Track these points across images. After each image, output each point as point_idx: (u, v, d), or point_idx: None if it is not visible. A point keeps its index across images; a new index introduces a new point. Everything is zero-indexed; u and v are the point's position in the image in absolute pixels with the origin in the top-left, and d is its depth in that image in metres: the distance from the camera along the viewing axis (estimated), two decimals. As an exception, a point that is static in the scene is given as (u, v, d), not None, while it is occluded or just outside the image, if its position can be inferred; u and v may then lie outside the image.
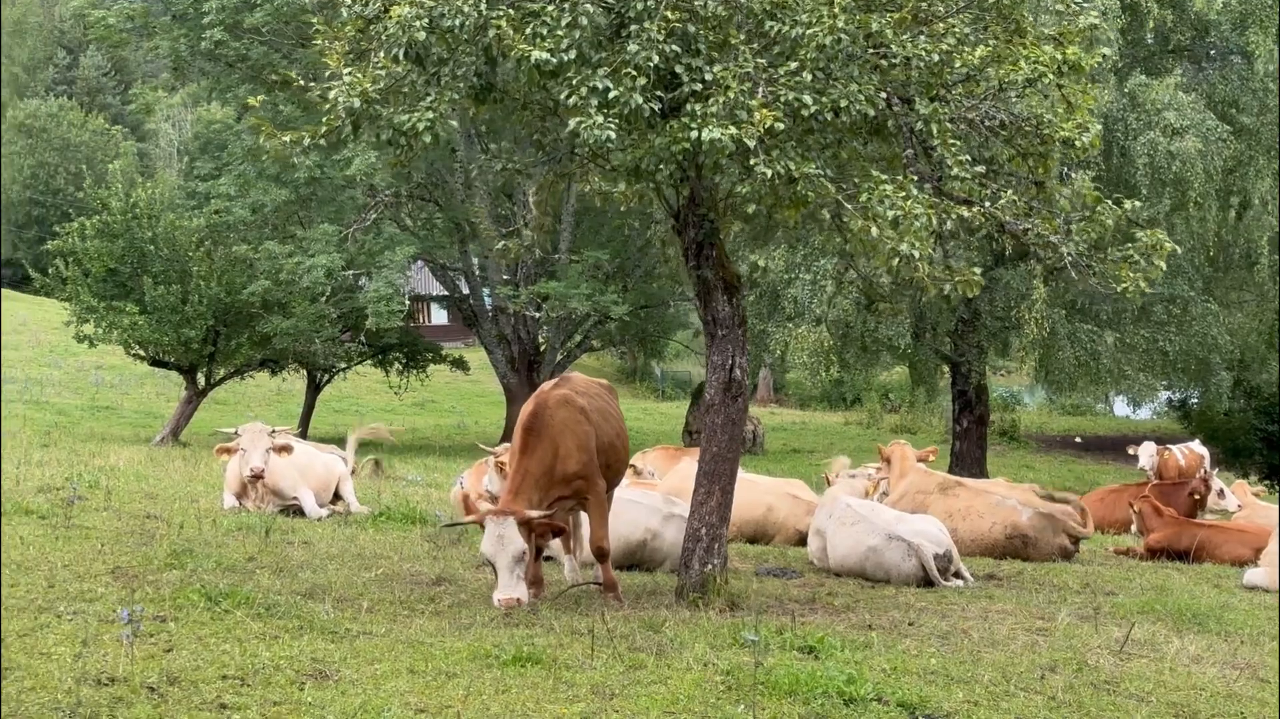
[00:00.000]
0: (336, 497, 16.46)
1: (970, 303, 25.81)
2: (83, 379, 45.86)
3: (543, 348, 38.07)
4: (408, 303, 35.53)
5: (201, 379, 33.05)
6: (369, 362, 37.87)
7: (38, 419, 35.52)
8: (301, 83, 10.18)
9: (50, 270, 32.12)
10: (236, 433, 15.30)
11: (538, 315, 34.83)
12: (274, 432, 15.27)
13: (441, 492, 19.97)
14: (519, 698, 7.56)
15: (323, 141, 9.76)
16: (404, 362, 38.39)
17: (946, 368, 30.61)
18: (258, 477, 14.95)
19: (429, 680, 7.82)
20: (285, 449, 15.20)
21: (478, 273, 37.91)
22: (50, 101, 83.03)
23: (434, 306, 63.32)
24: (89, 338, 31.71)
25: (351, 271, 32.50)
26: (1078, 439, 45.90)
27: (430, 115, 9.33)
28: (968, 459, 27.73)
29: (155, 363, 32.82)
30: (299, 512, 15.51)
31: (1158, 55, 29.50)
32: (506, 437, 36.03)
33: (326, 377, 37.58)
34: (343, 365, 36.69)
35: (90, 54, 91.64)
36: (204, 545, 12.12)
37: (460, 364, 39.44)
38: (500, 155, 12.75)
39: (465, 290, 38.69)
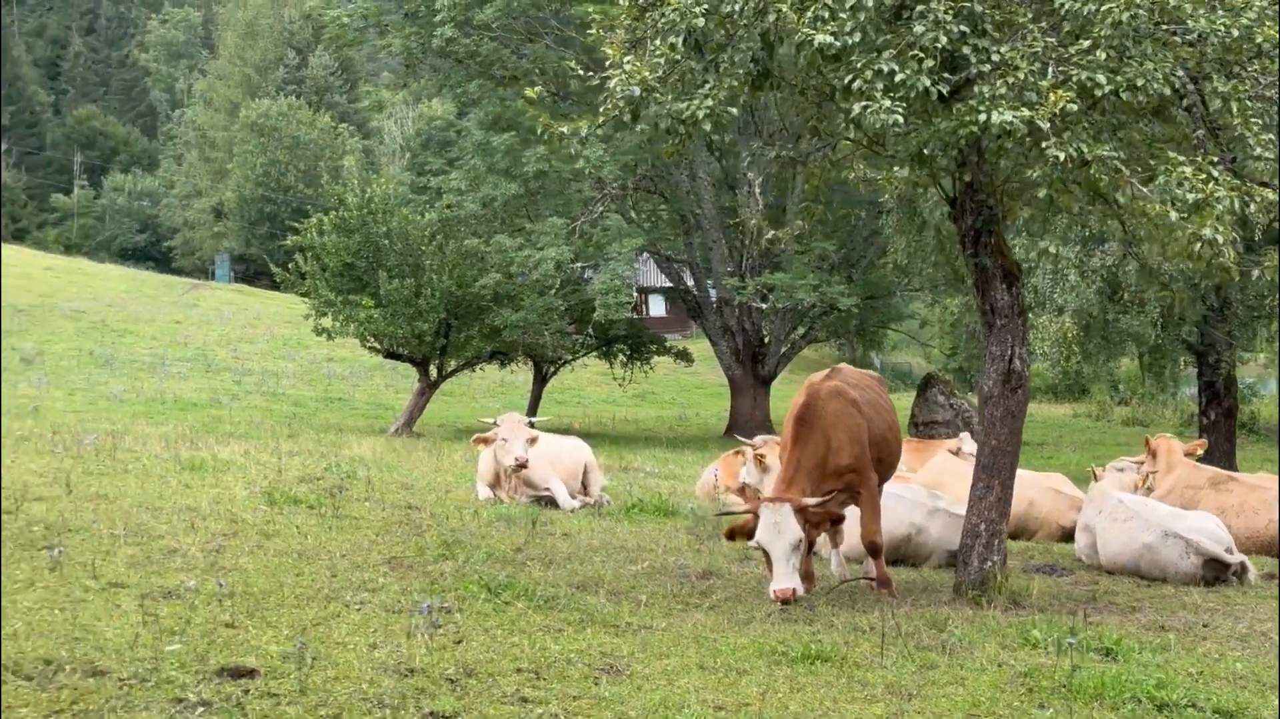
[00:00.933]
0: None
1: (1219, 290, 24.87)
2: (315, 371, 47.06)
3: (767, 339, 37.85)
4: (634, 295, 35.55)
5: (434, 371, 33.53)
6: (593, 353, 38.09)
7: (276, 411, 36.57)
8: (580, 73, 10.13)
9: (290, 265, 32.84)
10: (495, 423, 15.40)
11: (763, 306, 34.61)
12: (530, 423, 15.35)
13: (681, 483, 19.93)
14: (815, 696, 7.40)
15: (600, 131, 9.69)
16: (628, 353, 38.46)
17: (1187, 359, 29.55)
18: (522, 466, 15.01)
19: (721, 677, 7.71)
20: (533, 440, 15.26)
21: (702, 264, 37.83)
22: (280, 101, 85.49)
23: (652, 298, 63.54)
24: (327, 331, 32.33)
25: (579, 264, 32.69)
26: (1321, 432, 43.94)
27: (709, 103, 9.20)
28: (1216, 453, 26.56)
29: (390, 355, 33.39)
30: (550, 502, 15.56)
31: None
32: (731, 429, 36.00)
33: (553, 368, 37.89)
34: (569, 357, 36.93)
35: (318, 54, 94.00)
36: (470, 536, 12.21)
37: (684, 356, 39.37)
38: (774, 143, 12.54)
39: (689, 282, 38.65)
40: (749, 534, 10.18)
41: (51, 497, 12.63)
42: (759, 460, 14.26)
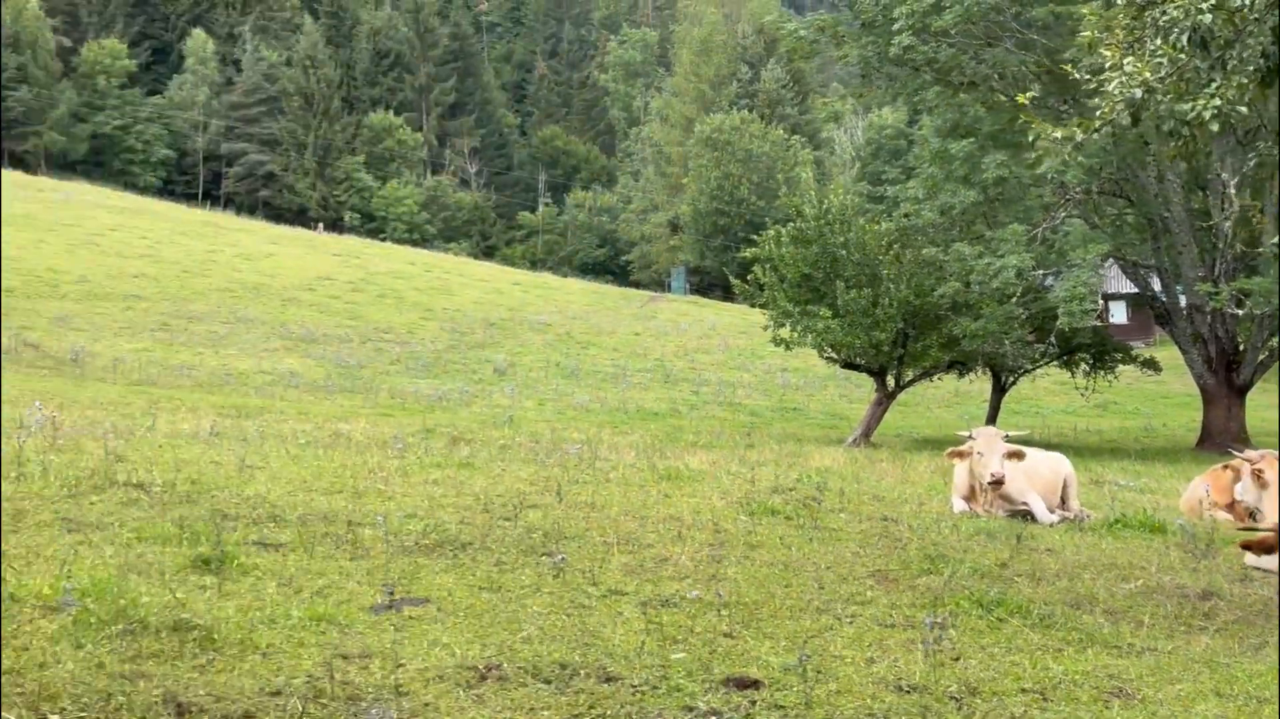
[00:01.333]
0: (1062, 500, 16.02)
1: None
2: (770, 382, 47.72)
3: (1242, 347, 35.95)
4: (1099, 302, 34.41)
5: (891, 381, 33.39)
6: (1054, 363, 37.07)
7: (734, 421, 37.27)
8: (1077, 75, 9.86)
9: (748, 278, 33.35)
10: (970, 437, 15.18)
11: (1239, 313, 32.88)
12: (1007, 436, 15.05)
13: (1158, 497, 19.14)
14: (1349, 731, 6.93)
15: (1096, 136, 9.40)
16: (1091, 362, 37.28)
17: None
18: (998, 482, 14.71)
19: (1240, 705, 7.31)
20: (1016, 455, 14.93)
21: (1170, 269, 36.27)
22: (733, 115, 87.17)
23: (1113, 304, 61.46)
24: (785, 342, 32.68)
25: (1041, 271, 31.90)
26: None
27: (1216, 102, 8.78)
28: None
29: (847, 365, 33.43)
30: (1027, 516, 15.19)
31: None
32: (1203, 441, 34.40)
33: (1012, 378, 37.13)
34: (1029, 367, 36.09)
35: (770, 67, 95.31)
36: (953, 550, 12.02)
37: (1151, 364, 37.87)
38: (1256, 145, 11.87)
39: (1157, 287, 37.13)
40: (1267, 550, 9.66)
41: (544, 504, 13.22)
42: (1257, 476, 13.50)
